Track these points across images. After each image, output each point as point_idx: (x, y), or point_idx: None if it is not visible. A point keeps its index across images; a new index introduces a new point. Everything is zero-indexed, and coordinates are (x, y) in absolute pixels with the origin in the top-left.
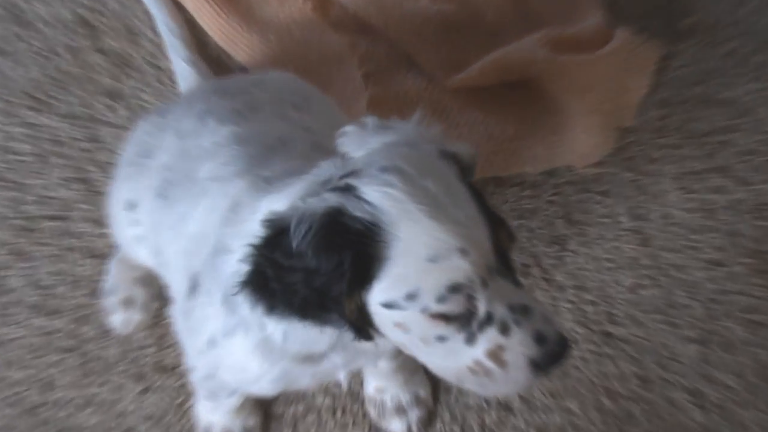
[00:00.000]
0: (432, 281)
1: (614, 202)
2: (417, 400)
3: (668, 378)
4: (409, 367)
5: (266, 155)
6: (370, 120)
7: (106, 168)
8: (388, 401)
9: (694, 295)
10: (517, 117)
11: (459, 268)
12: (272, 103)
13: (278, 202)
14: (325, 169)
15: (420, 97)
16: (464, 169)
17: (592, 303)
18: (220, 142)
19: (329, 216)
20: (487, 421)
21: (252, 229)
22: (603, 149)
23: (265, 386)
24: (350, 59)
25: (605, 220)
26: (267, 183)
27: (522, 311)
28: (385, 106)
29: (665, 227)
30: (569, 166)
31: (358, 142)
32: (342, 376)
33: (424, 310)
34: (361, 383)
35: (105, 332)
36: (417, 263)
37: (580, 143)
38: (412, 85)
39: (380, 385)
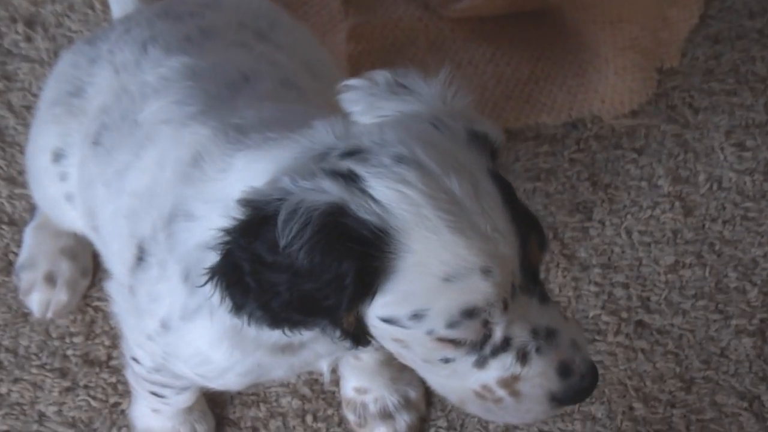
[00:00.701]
0: (444, 303)
1: (652, 161)
2: (406, 403)
3: (716, 379)
4: (398, 362)
5: (228, 94)
6: (384, 76)
7: (22, 113)
8: (371, 404)
9: (749, 277)
10: (533, 55)
11: (478, 291)
12: (230, 29)
13: (257, 163)
14: (321, 134)
15: (413, 28)
16: (493, 153)
17: (623, 285)
18: (167, 75)
19: (330, 216)
20: (492, 429)
21: (223, 192)
22: (639, 96)
23: (230, 380)
24: None
25: (640, 183)
26: (239, 133)
27: (546, 336)
28: (370, 40)
29: (714, 193)
30: (597, 117)
31: (366, 104)
32: (324, 366)
33: (430, 333)
34: (338, 382)
35: (20, 317)
36: (429, 281)
37: (611, 88)
38: (403, 13)
39: (361, 385)
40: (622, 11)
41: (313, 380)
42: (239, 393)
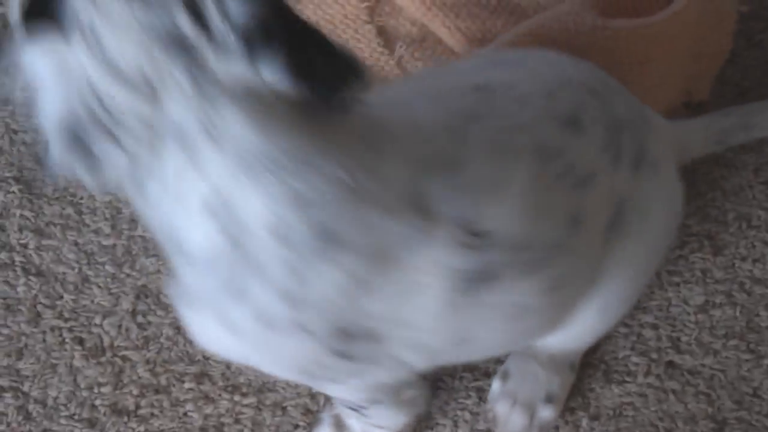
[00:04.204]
0: None
1: None
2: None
3: (749, 419)
4: None
5: None
6: None
7: None
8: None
9: None
10: None
11: None
12: None
13: None
14: None
15: None
16: None
17: (653, 326)
18: None
19: None
20: None
21: None
22: None
23: None
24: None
25: None
26: None
27: None
28: None
29: (744, 231)
30: None
31: None
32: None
33: None
34: None
35: (48, 367)
36: None
37: None
38: (429, 58)
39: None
40: (649, 51)
41: None
42: None
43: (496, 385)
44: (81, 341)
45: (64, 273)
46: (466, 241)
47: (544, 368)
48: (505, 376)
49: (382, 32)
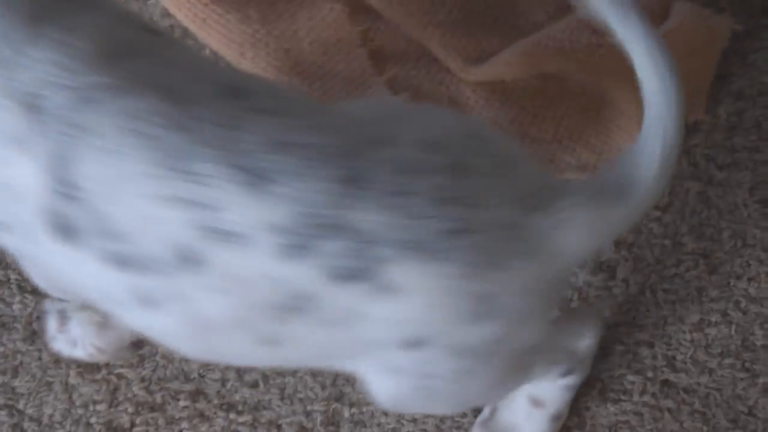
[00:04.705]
0: None
1: (675, 218)
2: None
3: None
4: None
5: None
6: None
7: None
8: None
9: None
10: (556, 114)
11: None
12: None
13: None
14: None
15: (435, 92)
16: None
17: (648, 345)
18: None
19: None
20: None
21: None
22: None
23: None
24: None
25: (663, 241)
26: None
27: None
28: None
29: (739, 250)
30: None
31: None
32: None
33: None
34: None
35: (44, 385)
36: None
37: None
38: (424, 77)
39: None
40: None
41: None
42: None
43: (485, 412)
44: (76, 359)
45: None
46: (55, 182)
47: (525, 415)
48: (494, 409)
49: (373, 55)
